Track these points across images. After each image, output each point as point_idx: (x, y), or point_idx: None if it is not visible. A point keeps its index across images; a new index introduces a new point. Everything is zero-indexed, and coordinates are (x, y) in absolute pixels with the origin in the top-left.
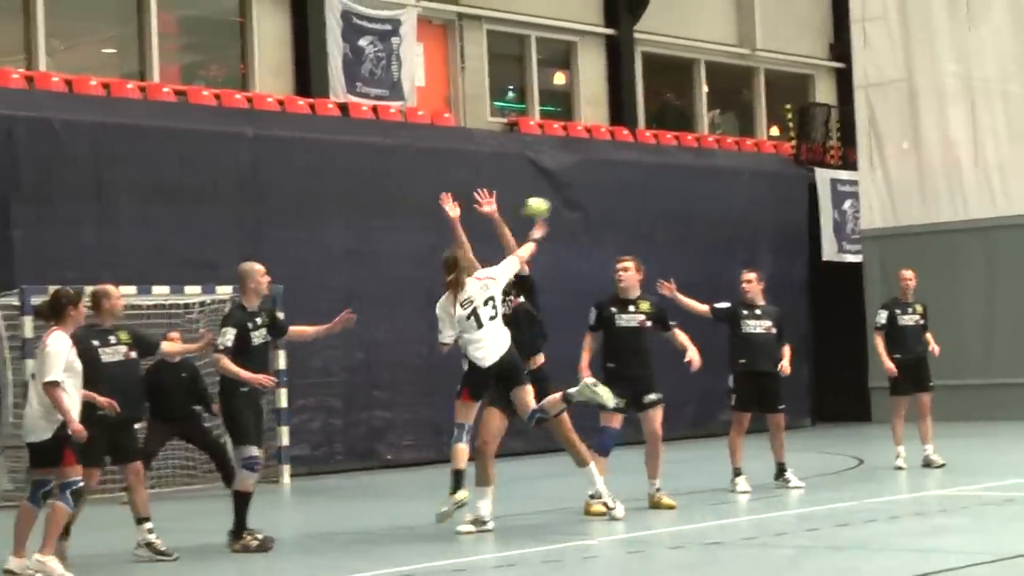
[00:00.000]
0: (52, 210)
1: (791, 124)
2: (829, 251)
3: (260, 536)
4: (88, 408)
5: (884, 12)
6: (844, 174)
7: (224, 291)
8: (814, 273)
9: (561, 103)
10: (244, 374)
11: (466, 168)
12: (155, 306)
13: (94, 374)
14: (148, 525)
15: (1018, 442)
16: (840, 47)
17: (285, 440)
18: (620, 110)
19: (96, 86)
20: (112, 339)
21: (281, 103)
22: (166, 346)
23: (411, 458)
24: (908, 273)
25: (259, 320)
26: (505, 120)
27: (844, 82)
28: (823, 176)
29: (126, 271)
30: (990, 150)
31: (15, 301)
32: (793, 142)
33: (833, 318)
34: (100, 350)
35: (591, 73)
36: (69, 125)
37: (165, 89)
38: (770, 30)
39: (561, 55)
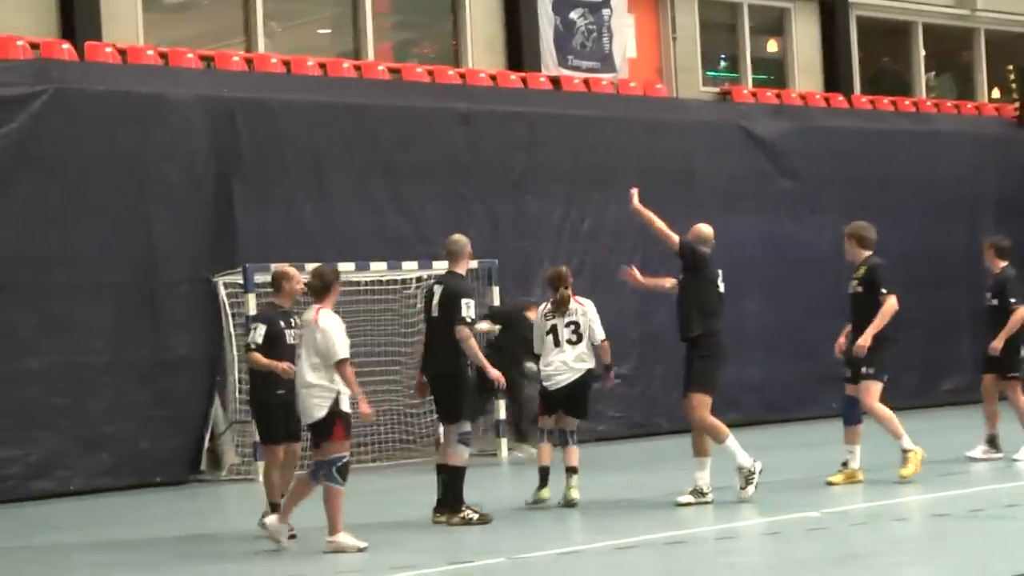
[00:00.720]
0: (272, 190)
1: (1014, 85)
2: None
3: (480, 510)
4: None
5: None
6: None
7: (440, 266)
8: None
9: (774, 71)
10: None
11: (679, 139)
12: (373, 282)
13: (281, 355)
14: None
15: None
16: None
17: (502, 414)
18: (835, 76)
19: (313, 67)
20: (292, 321)
21: (493, 78)
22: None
23: (618, 431)
24: None
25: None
26: (717, 89)
27: None
28: None
29: (344, 248)
30: None
31: (239, 279)
32: (1016, 104)
33: None
34: (285, 332)
35: (805, 39)
36: (288, 106)
37: (380, 67)
38: None
39: (774, 22)
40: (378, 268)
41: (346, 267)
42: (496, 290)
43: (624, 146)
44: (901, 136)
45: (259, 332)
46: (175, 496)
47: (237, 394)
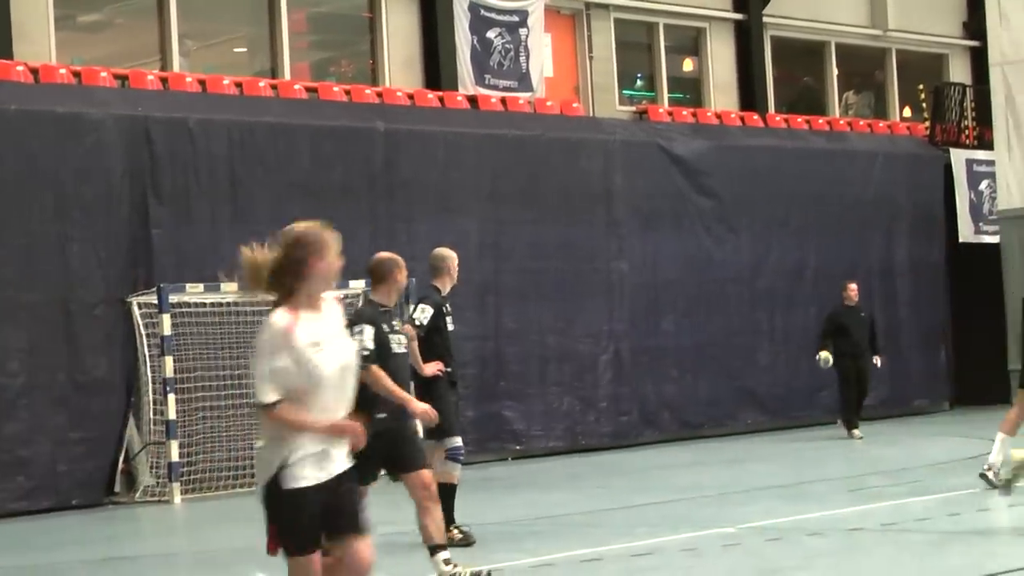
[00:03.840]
0: (189, 210)
1: (925, 105)
2: (966, 233)
3: (465, 530)
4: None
5: None
6: (980, 154)
7: (357, 285)
8: (951, 255)
9: (690, 90)
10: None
11: (597, 157)
12: None
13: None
14: (443, 555)
15: None
16: (974, 25)
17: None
18: (750, 95)
19: (229, 85)
20: (395, 325)
21: (411, 97)
22: None
23: (548, 448)
24: None
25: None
26: (634, 108)
27: (979, 60)
28: (958, 157)
29: None
30: None
31: (153, 299)
32: (927, 123)
33: (971, 301)
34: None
35: (720, 59)
36: (204, 124)
37: (297, 86)
38: (902, 10)
39: (690, 41)
40: None
41: None
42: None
43: (542, 165)
44: (816, 154)
45: (367, 337)
46: (91, 519)
47: (152, 415)
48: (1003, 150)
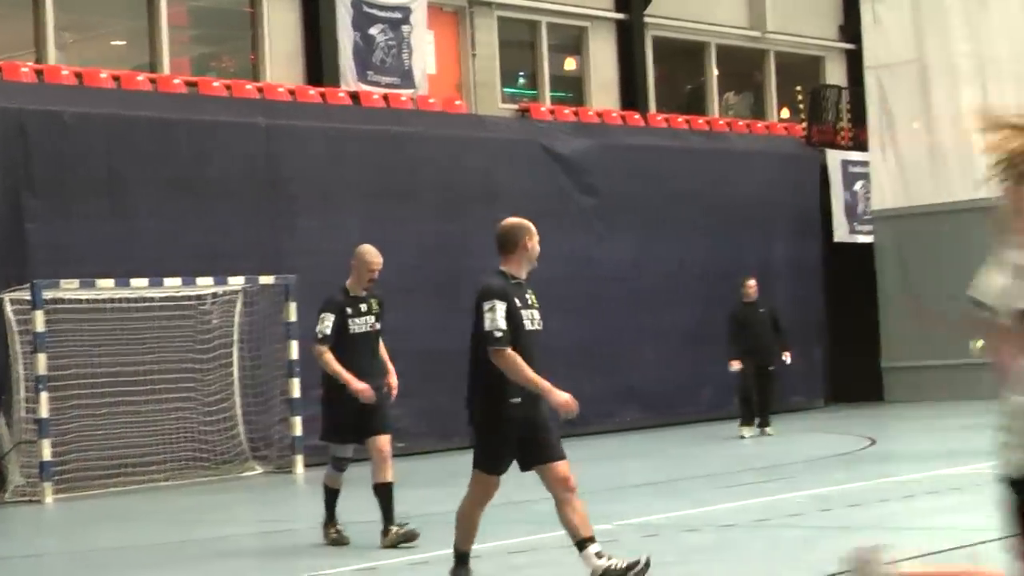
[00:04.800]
0: (65, 204)
1: (802, 106)
2: (841, 232)
3: (338, 530)
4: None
5: None
6: (855, 155)
7: (236, 282)
8: (827, 255)
9: (572, 88)
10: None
11: (480, 155)
12: (167, 298)
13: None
14: (594, 548)
15: None
16: (850, 28)
17: (299, 430)
18: (631, 94)
19: (107, 79)
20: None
21: (292, 93)
22: None
23: (426, 446)
24: None
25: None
26: (516, 106)
27: (854, 63)
28: (834, 157)
29: (140, 264)
30: None
31: (27, 295)
32: (804, 124)
33: (846, 299)
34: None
35: (602, 58)
36: (80, 118)
37: (176, 81)
38: (781, 12)
39: (572, 40)
40: (172, 284)
41: (139, 283)
42: (293, 306)
43: (425, 162)
44: (696, 154)
45: (499, 314)
46: None
47: (23, 413)
48: (877, 151)
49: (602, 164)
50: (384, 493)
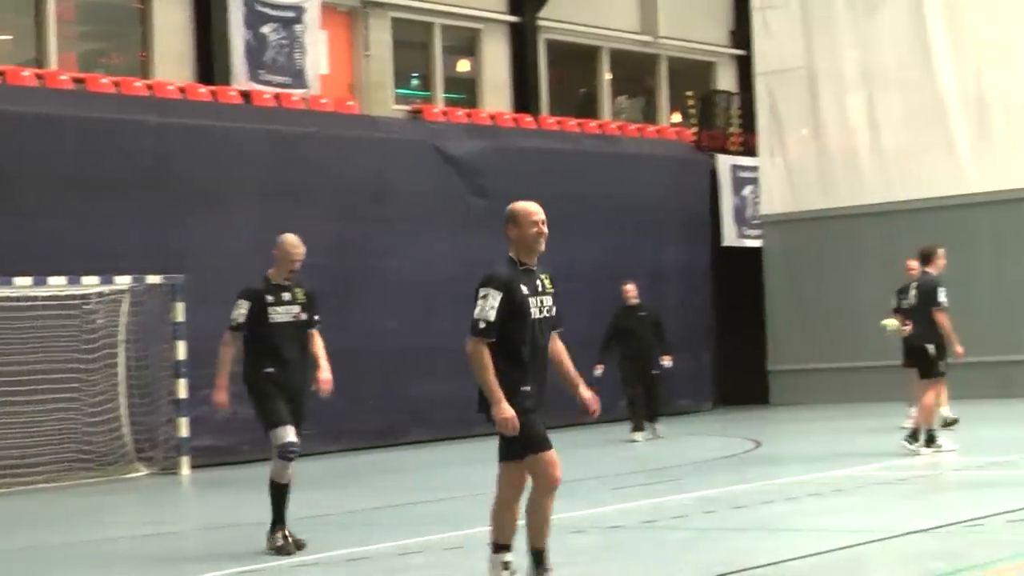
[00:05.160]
0: None
1: (693, 111)
2: (730, 236)
3: (286, 536)
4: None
5: (784, 0)
6: (745, 160)
7: (123, 281)
8: (715, 258)
9: (466, 90)
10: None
11: (372, 156)
12: (51, 298)
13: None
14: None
15: (903, 422)
16: (741, 35)
17: (185, 431)
18: (524, 97)
19: None
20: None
21: (183, 91)
22: None
23: (317, 447)
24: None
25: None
26: (409, 108)
27: (745, 69)
28: (724, 162)
29: (27, 263)
30: (887, 136)
31: None
32: (695, 129)
33: (734, 303)
34: None
35: (495, 60)
36: None
37: (63, 77)
38: (672, 18)
39: (466, 42)
40: (57, 283)
41: (22, 282)
42: (181, 306)
43: (317, 162)
44: (588, 157)
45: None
46: None
47: None
48: (766, 157)
49: (494, 166)
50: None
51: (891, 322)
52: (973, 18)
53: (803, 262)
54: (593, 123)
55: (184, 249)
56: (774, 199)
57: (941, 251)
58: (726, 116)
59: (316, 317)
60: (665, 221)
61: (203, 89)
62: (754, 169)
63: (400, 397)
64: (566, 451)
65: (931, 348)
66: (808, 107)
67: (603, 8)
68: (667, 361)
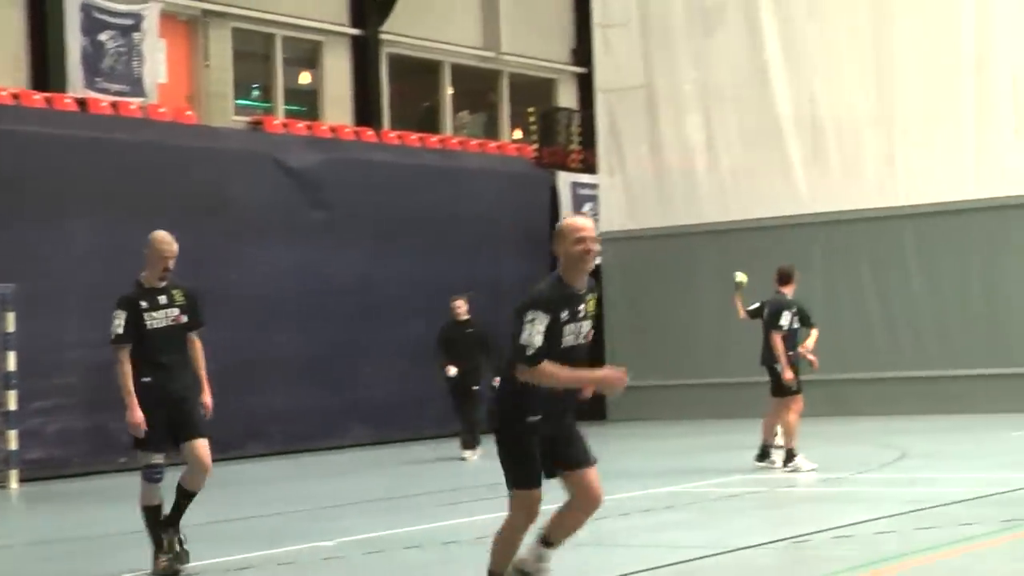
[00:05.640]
0: None
1: (534, 127)
2: None
3: (170, 559)
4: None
5: (625, 19)
6: (585, 177)
7: None
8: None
9: (307, 102)
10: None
11: (211, 166)
12: None
13: None
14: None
15: (739, 439)
16: (582, 52)
17: (14, 444)
18: (366, 110)
19: None
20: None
21: (16, 97)
22: None
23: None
24: None
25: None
26: (249, 119)
27: (586, 87)
28: (564, 179)
29: None
30: (724, 156)
31: None
32: (535, 145)
33: None
34: None
35: (337, 73)
36: None
37: None
38: (515, 34)
39: (307, 54)
40: None
41: None
42: (12, 316)
43: (154, 172)
44: (429, 171)
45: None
46: None
47: None
48: (606, 174)
49: (334, 179)
50: (185, 502)
51: (742, 276)
52: (808, 41)
53: (641, 279)
54: (434, 138)
55: (15, 258)
56: (613, 216)
57: (796, 273)
58: (567, 133)
59: (200, 320)
60: (505, 236)
61: (38, 96)
62: (594, 186)
63: (236, 410)
64: (400, 468)
65: (778, 367)
66: (647, 125)
67: (446, 23)
68: (496, 380)
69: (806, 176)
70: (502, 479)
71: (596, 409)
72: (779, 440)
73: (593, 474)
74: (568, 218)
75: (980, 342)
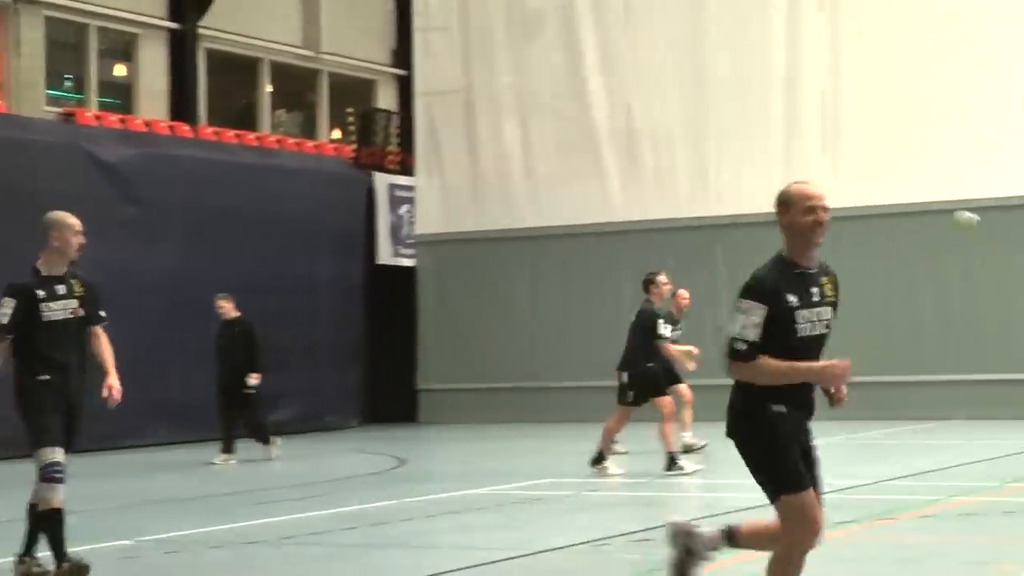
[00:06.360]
0: None
1: (352, 128)
2: (385, 254)
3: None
4: None
5: (445, 22)
6: (402, 179)
7: None
8: (370, 276)
9: (121, 95)
10: None
11: (20, 158)
12: None
13: None
14: None
15: (547, 443)
16: (402, 55)
17: None
18: (181, 105)
19: None
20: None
21: None
22: None
23: None
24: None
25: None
26: (61, 110)
27: (405, 89)
28: (382, 180)
29: None
30: (540, 162)
31: None
32: (354, 146)
33: (385, 321)
34: None
35: (153, 66)
36: None
37: None
38: (335, 34)
39: (123, 46)
40: None
41: None
42: None
43: None
44: (245, 169)
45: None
46: None
47: None
48: (423, 177)
49: (148, 174)
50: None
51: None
52: (625, 52)
53: (456, 283)
54: (252, 135)
55: None
56: (429, 219)
57: (661, 278)
58: (385, 134)
59: (101, 312)
60: (321, 236)
61: None
62: (411, 188)
63: None
64: (203, 465)
65: (624, 376)
66: (465, 129)
67: (265, 20)
68: (253, 379)
69: (620, 185)
70: (309, 479)
71: (407, 411)
72: (685, 440)
73: (819, 502)
74: (796, 183)
75: None
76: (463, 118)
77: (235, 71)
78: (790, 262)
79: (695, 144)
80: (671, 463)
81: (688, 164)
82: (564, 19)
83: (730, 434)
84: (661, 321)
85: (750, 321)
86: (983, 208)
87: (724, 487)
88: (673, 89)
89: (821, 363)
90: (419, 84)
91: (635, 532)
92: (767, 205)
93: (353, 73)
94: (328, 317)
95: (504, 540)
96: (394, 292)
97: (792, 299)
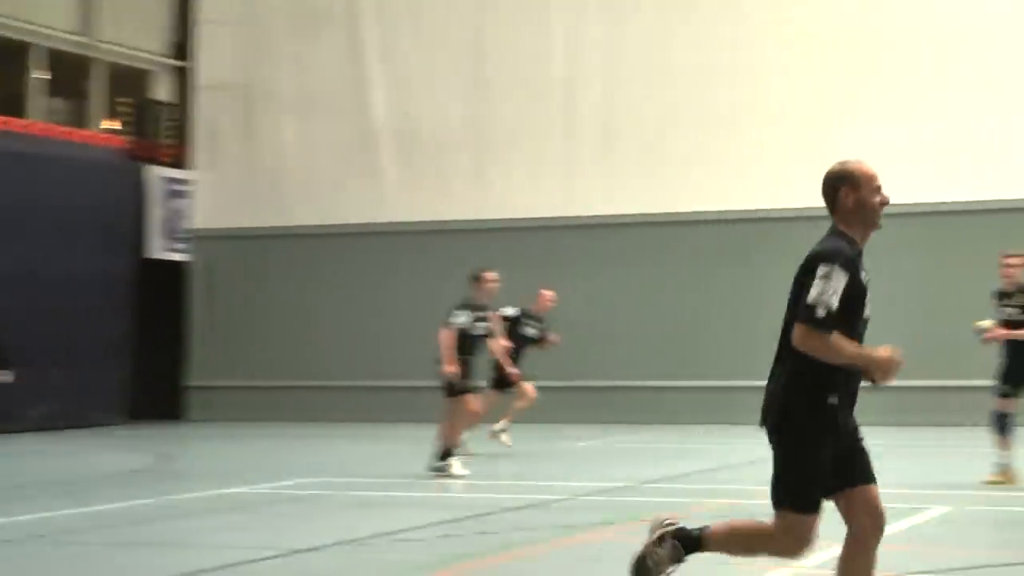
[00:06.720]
0: None
1: (127, 118)
2: (156, 248)
3: None
4: None
5: (228, 15)
6: (177, 173)
7: None
8: (138, 270)
9: None
10: None
11: None
12: None
13: None
14: None
15: (314, 443)
16: (182, 46)
17: None
18: None
19: None
20: None
21: None
22: None
23: None
24: None
25: None
26: None
27: (184, 81)
28: (155, 173)
29: None
30: (318, 160)
31: None
32: (128, 137)
33: (153, 316)
34: None
35: None
36: None
37: None
38: (112, 22)
39: None
40: None
41: None
42: None
43: None
44: (8, 156)
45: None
46: None
47: None
48: (200, 171)
49: None
50: None
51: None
52: (407, 54)
53: (229, 279)
54: (19, 122)
55: None
56: (204, 214)
57: (487, 275)
58: (161, 126)
59: None
60: (89, 228)
61: None
62: (186, 182)
63: None
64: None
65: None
66: (244, 125)
67: (37, 3)
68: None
69: (397, 186)
70: (67, 477)
71: (174, 408)
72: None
73: (878, 493)
74: (852, 161)
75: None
76: (242, 113)
77: (3, 55)
78: (850, 237)
79: (473, 147)
80: (444, 456)
81: (465, 167)
82: (348, 18)
83: (769, 422)
84: (457, 310)
85: (832, 287)
86: (740, 221)
87: (483, 488)
88: (454, 91)
89: (885, 352)
90: (199, 77)
91: (397, 532)
92: (543, 209)
93: (130, 63)
94: (90, 311)
95: (260, 539)
96: (165, 288)
97: (864, 276)
